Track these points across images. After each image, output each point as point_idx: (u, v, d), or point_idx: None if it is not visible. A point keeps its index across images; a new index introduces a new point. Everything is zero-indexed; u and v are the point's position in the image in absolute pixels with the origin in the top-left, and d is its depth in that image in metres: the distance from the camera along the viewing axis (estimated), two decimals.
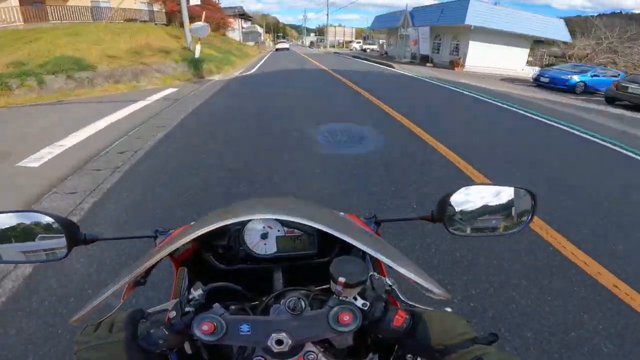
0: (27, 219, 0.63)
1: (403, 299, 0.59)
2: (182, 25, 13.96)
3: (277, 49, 40.66)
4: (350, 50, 46.06)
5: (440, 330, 0.51)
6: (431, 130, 5.51)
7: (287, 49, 41.79)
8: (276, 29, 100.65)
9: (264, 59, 22.55)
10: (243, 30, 40.47)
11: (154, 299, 1.75)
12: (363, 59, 24.74)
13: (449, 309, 0.56)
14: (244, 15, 40.54)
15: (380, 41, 32.16)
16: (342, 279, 0.49)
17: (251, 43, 37.31)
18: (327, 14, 57.36)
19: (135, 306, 0.53)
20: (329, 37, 62.68)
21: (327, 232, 0.68)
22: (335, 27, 66.18)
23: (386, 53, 28.21)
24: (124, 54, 10.74)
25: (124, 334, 0.48)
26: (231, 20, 30.37)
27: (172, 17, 21.14)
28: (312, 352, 0.52)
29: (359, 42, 51.14)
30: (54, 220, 0.63)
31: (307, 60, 22.05)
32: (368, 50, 40.51)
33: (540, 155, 4.88)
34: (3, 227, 0.63)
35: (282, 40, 58.88)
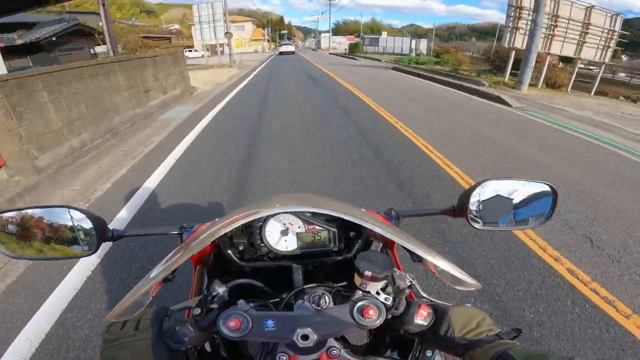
0: (60, 214, 0.63)
1: (423, 294, 0.59)
2: None
3: (280, 53, 35.42)
4: None
5: (463, 325, 0.51)
6: None
7: (293, 52, 36.20)
8: (280, 27, 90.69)
9: None
10: None
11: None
12: None
13: (468, 305, 0.56)
14: None
15: None
16: (368, 273, 0.49)
17: None
18: None
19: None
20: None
21: (347, 229, 0.68)
22: None
23: None
24: None
25: (150, 332, 0.49)
26: None
27: None
28: (335, 347, 0.52)
29: None
30: (85, 217, 0.63)
31: None
32: None
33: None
34: (36, 222, 0.63)
35: (287, 42, 47.16)
